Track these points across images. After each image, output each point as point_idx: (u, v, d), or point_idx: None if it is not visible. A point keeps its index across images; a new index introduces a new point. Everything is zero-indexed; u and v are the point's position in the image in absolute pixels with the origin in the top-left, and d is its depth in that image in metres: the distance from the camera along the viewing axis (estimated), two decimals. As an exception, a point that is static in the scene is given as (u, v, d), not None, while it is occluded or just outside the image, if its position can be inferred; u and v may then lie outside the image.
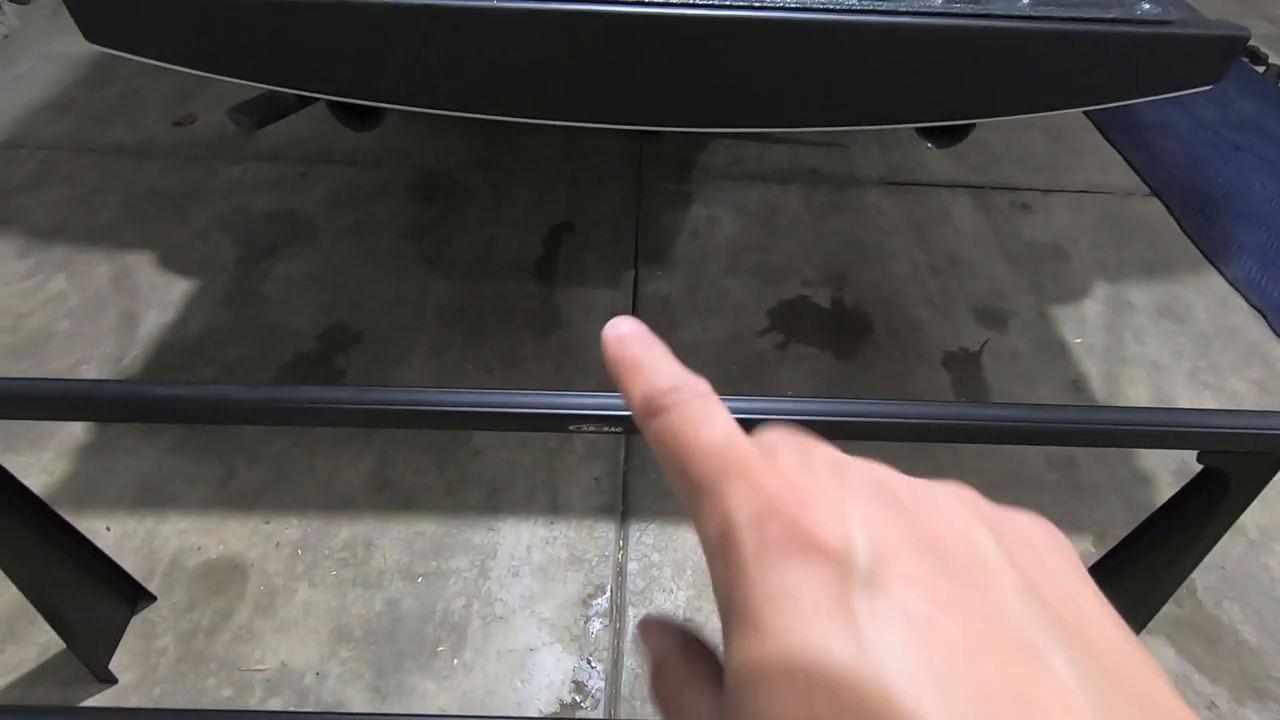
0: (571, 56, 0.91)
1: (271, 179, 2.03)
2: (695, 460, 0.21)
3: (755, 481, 0.19)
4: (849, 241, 1.93)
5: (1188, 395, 1.59)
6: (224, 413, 0.73)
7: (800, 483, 0.20)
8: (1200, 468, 0.84)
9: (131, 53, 0.90)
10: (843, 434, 0.80)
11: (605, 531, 1.31)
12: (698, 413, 0.22)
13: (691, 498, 0.21)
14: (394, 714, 0.99)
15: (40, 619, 1.02)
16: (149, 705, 1.02)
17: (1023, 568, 0.19)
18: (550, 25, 0.87)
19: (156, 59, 0.89)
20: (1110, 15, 0.88)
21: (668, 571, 1.26)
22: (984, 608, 0.17)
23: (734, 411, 0.81)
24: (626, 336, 0.24)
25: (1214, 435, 0.73)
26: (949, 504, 0.21)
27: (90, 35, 0.89)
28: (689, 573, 1.26)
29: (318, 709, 1.01)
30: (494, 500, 1.34)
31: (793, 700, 0.16)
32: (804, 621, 0.17)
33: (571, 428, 0.73)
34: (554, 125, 1.03)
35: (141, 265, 1.76)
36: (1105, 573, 1.07)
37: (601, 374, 1.59)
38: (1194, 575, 1.17)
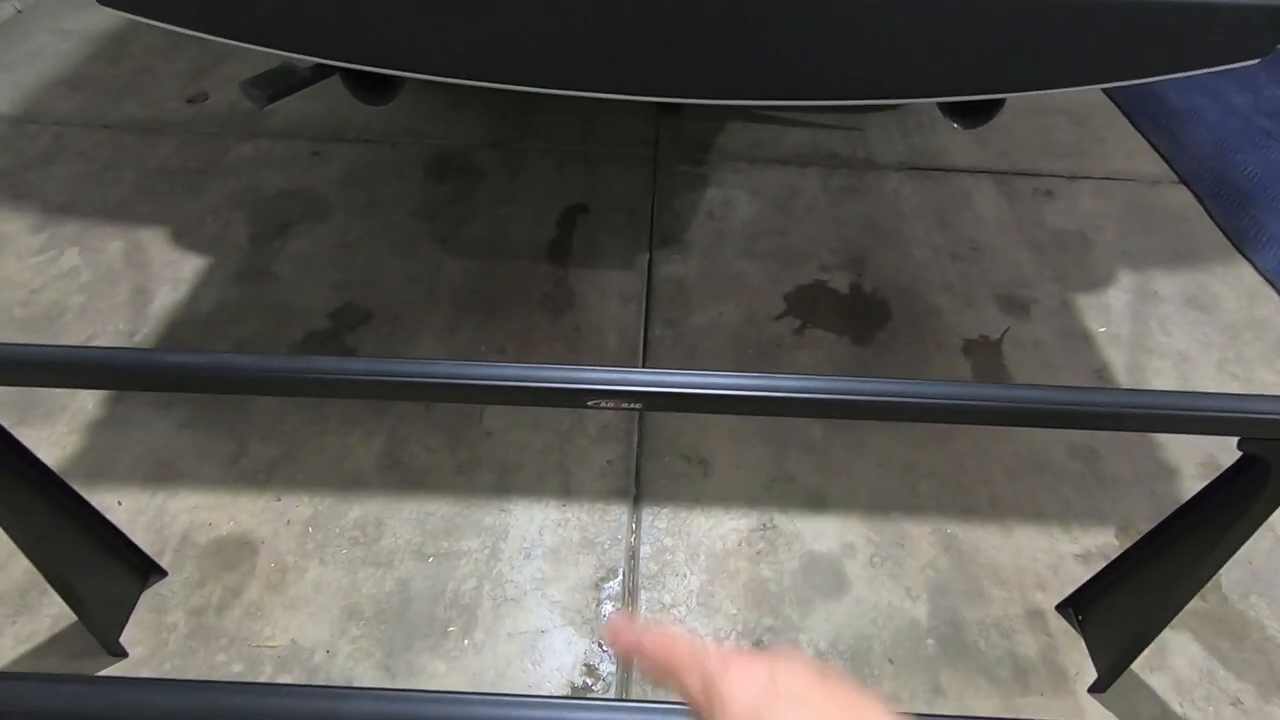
0: (593, 21, 0.88)
1: (284, 157, 2.01)
2: (681, 661, 0.41)
3: (713, 662, 0.40)
4: (868, 226, 1.90)
5: (1215, 387, 1.55)
6: (236, 382, 0.71)
7: (733, 660, 0.40)
8: (1237, 456, 0.81)
9: (143, 15, 0.88)
10: (862, 414, 0.78)
11: (618, 515, 1.29)
12: (671, 644, 0.43)
13: (677, 678, 0.41)
14: (405, 689, 0.98)
15: (52, 592, 1.02)
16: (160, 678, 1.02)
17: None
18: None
19: (168, 22, 0.87)
20: (1154, -16, 0.85)
21: (681, 556, 1.24)
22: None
23: (759, 389, 0.77)
24: (617, 628, 0.47)
25: (1259, 421, 0.70)
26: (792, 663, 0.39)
27: (101, -2, 0.87)
28: (702, 558, 1.24)
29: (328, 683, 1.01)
30: (506, 482, 1.33)
31: None
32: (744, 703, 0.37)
33: (589, 403, 0.71)
34: (573, 97, 1.01)
35: (154, 241, 1.75)
36: (1132, 564, 1.04)
37: (615, 354, 1.57)
38: (1220, 570, 1.14)
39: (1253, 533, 0.85)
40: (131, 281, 1.66)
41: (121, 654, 1.09)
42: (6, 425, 0.87)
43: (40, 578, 1.00)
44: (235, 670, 1.08)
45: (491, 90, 1.04)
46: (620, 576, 1.21)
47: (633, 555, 1.24)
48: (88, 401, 1.41)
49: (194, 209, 1.84)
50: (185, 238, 1.77)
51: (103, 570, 1.08)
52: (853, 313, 1.68)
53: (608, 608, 1.17)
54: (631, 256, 1.78)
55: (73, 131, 2.06)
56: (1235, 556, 0.94)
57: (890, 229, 1.89)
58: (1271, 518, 0.88)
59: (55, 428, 1.37)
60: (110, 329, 1.55)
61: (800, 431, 1.43)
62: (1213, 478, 0.88)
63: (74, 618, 1.08)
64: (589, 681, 1.10)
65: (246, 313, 1.60)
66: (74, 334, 1.54)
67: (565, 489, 1.32)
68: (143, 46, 2.39)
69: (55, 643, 1.10)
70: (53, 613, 1.12)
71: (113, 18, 1.06)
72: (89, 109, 2.14)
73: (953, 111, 1.22)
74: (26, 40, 2.43)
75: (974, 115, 1.19)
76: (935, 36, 0.91)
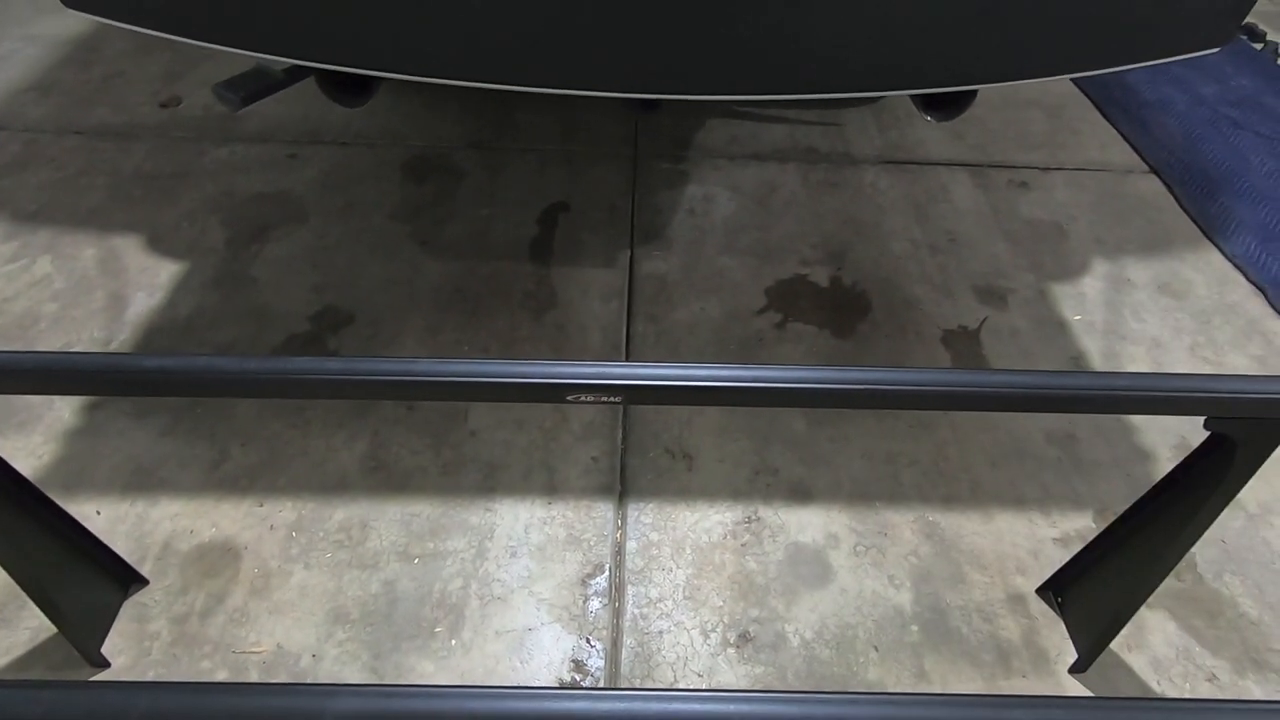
0: (568, 18, 0.89)
1: (260, 160, 2.00)
2: None
3: None
4: (847, 220, 1.91)
5: (1187, 371, 1.58)
6: (216, 384, 0.71)
7: None
8: (1204, 436, 0.83)
9: (111, 18, 0.87)
10: (843, 402, 0.79)
11: (603, 511, 1.30)
12: None
13: None
14: (390, 685, 0.97)
15: (31, 604, 1.01)
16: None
17: None
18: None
19: (135, 24, 0.86)
20: (1117, -25, 0.86)
21: (666, 550, 1.25)
22: None
23: (737, 381, 0.78)
24: None
25: (1224, 400, 0.71)
26: None
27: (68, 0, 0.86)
28: (688, 551, 1.25)
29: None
30: (491, 481, 1.33)
31: None
32: None
33: (570, 397, 0.71)
34: (550, 96, 1.01)
35: (129, 248, 1.73)
36: (1108, 546, 1.06)
37: (598, 352, 1.57)
38: (1194, 550, 1.17)
39: (1222, 510, 0.87)
40: (106, 288, 1.64)
41: (104, 664, 1.08)
42: (-20, 434, 0.86)
43: (18, 590, 0.98)
44: (220, 677, 1.08)
45: (469, 90, 1.04)
46: (607, 572, 1.22)
47: (619, 551, 1.25)
48: (64, 410, 1.39)
49: (169, 214, 1.82)
50: (161, 243, 1.75)
51: (82, 580, 1.07)
52: (833, 306, 1.69)
53: (595, 604, 1.18)
54: (613, 254, 1.78)
55: (44, 138, 2.03)
56: (1208, 536, 0.96)
57: (869, 222, 1.91)
58: (1242, 496, 0.90)
59: (31, 437, 1.35)
60: (85, 336, 1.53)
61: (783, 425, 1.44)
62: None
63: (54, 629, 1.07)
64: (577, 677, 1.10)
65: (225, 317, 1.59)
66: (48, 342, 1.52)
67: (550, 486, 1.33)
68: (114, 51, 2.36)
69: (35, 655, 1.09)
70: (32, 625, 1.10)
71: (82, 22, 1.05)
72: (60, 115, 2.11)
73: (926, 104, 1.23)
74: (-7, 46, 2.39)
75: (946, 108, 1.21)
76: (906, 29, 0.92)
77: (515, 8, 0.90)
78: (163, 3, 0.87)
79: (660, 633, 1.15)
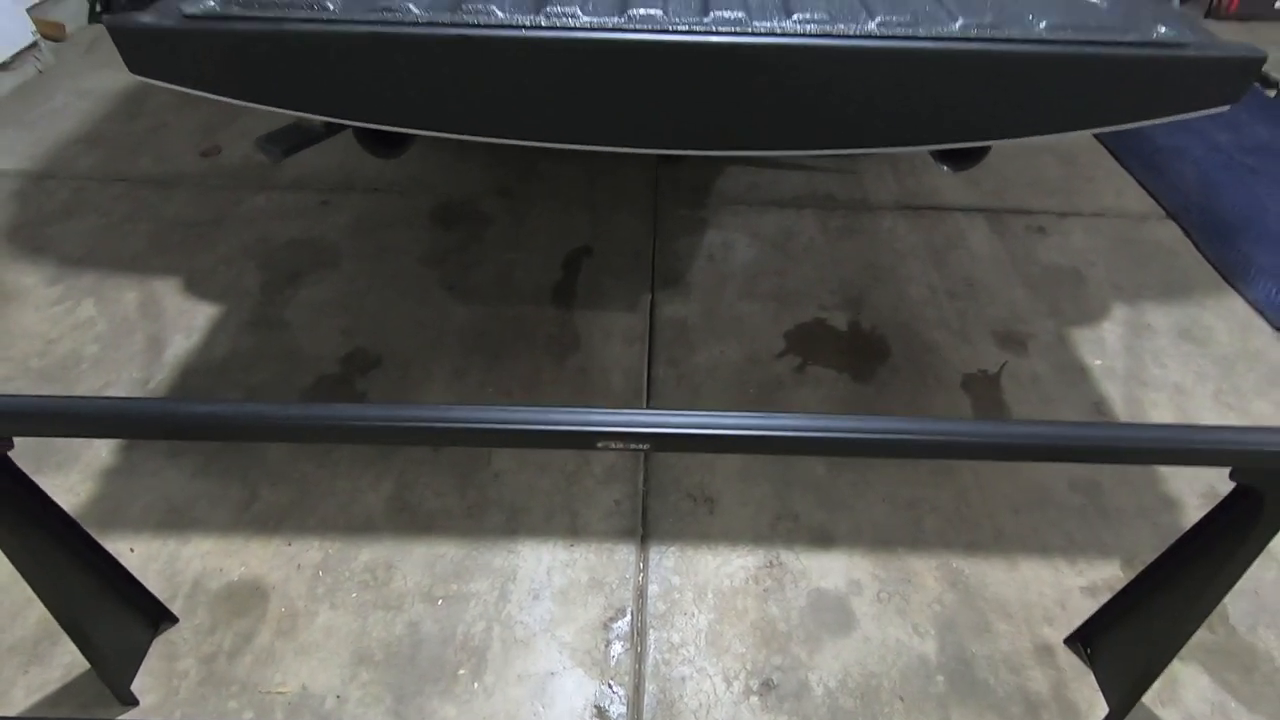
0: (597, 82, 0.93)
1: (295, 208, 2.07)
2: None
3: None
4: (865, 265, 1.94)
5: (1212, 418, 1.57)
6: (255, 430, 0.74)
7: None
8: (1231, 487, 0.83)
9: (172, 83, 0.93)
10: (865, 451, 0.80)
11: (625, 554, 1.30)
12: None
13: None
14: None
15: (64, 641, 1.03)
16: (170, 728, 1.02)
17: None
18: (577, 53, 0.90)
19: (196, 89, 0.92)
20: (1127, 39, 0.90)
21: (689, 595, 1.25)
22: None
23: (764, 429, 0.80)
24: None
25: (1249, 453, 0.72)
26: None
27: (133, 67, 0.93)
28: (709, 596, 1.24)
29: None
30: (514, 523, 1.34)
31: None
32: None
33: (600, 445, 0.73)
34: (576, 150, 1.06)
35: (168, 291, 1.79)
36: (1135, 597, 1.05)
37: (619, 395, 1.59)
38: (1226, 601, 1.15)
39: (1250, 563, 0.87)
40: (146, 331, 1.69)
41: (133, 702, 1.09)
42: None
43: (52, 627, 1.00)
44: (246, 718, 1.08)
45: (497, 143, 1.09)
46: (629, 616, 1.22)
47: (641, 595, 1.25)
48: (101, 450, 1.43)
49: (207, 259, 1.89)
50: (199, 287, 1.81)
51: (116, 616, 1.09)
52: (852, 350, 1.71)
53: (617, 648, 1.18)
54: (634, 298, 1.82)
55: (91, 186, 2.13)
56: (1241, 587, 0.95)
57: (887, 268, 1.94)
58: (1274, 547, 0.89)
59: (69, 476, 1.39)
60: (125, 377, 1.58)
61: (804, 469, 1.44)
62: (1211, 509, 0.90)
63: (85, 666, 1.08)
64: (599, 724, 1.10)
65: (259, 359, 1.63)
66: (89, 383, 1.57)
67: (573, 530, 1.34)
68: (158, 104, 2.48)
69: (67, 692, 1.10)
70: (65, 662, 1.12)
71: (131, 77, 1.11)
72: (107, 164, 2.22)
73: (942, 156, 1.27)
74: (48, 99, 2.52)
75: (962, 159, 1.24)
76: (925, 91, 0.96)
77: (545, 73, 0.95)
78: (220, 73, 0.93)
79: (682, 679, 1.14)
